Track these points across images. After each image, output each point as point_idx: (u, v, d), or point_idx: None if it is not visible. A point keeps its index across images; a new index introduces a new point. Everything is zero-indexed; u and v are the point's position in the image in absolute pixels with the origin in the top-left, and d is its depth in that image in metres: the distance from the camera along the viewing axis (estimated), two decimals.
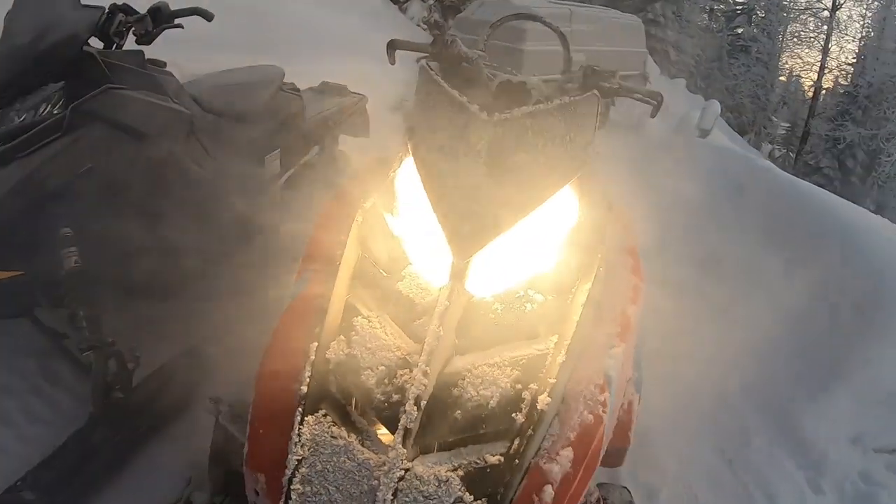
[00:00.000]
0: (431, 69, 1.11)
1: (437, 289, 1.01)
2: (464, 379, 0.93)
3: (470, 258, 0.95)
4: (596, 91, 1.12)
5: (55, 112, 1.46)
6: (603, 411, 0.93)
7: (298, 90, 2.33)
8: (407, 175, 1.11)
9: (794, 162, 14.71)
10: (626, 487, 1.37)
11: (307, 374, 0.92)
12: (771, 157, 13.54)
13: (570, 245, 1.11)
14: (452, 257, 0.96)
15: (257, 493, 0.90)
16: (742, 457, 2.06)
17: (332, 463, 0.86)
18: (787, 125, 17.69)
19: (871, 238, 2.56)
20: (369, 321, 0.99)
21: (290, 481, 0.84)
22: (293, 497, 0.83)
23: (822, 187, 3.48)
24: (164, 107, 1.66)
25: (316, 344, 0.94)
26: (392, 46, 1.28)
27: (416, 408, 0.86)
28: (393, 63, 1.30)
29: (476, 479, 0.85)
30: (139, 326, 1.78)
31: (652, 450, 1.89)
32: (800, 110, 17.48)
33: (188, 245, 1.70)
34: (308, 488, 0.84)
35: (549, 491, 0.85)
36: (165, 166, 1.67)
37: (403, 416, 0.85)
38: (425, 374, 0.88)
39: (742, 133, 13.00)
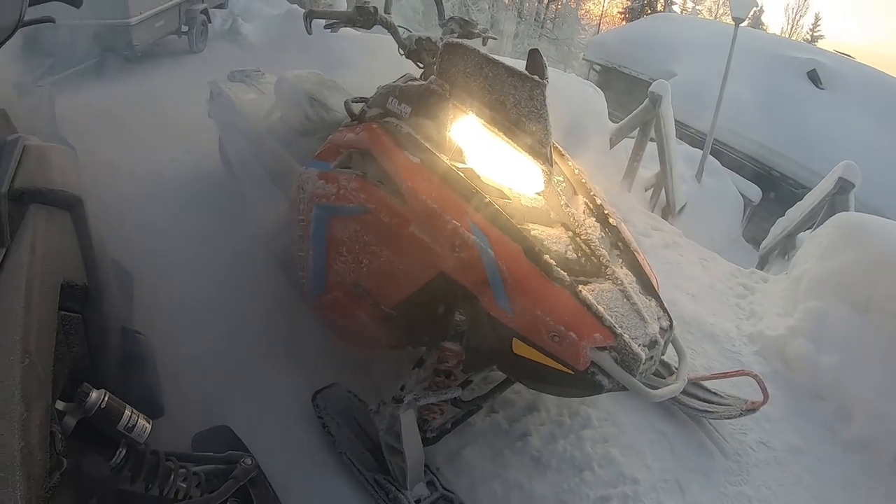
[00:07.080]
0: (487, 60, 1.54)
1: (534, 195, 1.56)
2: (591, 221, 1.62)
3: (552, 165, 1.59)
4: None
5: None
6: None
7: None
8: (468, 130, 1.56)
9: None
10: None
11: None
12: None
13: None
14: (542, 168, 1.54)
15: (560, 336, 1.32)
16: None
17: (603, 300, 1.38)
18: None
19: None
20: (537, 231, 1.47)
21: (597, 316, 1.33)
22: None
23: None
24: None
25: (573, 281, 1.37)
26: (309, 17, 1.70)
27: (604, 234, 1.61)
28: (310, 33, 1.72)
29: (628, 261, 1.59)
30: None
31: None
32: None
33: None
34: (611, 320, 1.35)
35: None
36: None
37: (603, 253, 1.48)
38: (591, 230, 1.54)
39: None
